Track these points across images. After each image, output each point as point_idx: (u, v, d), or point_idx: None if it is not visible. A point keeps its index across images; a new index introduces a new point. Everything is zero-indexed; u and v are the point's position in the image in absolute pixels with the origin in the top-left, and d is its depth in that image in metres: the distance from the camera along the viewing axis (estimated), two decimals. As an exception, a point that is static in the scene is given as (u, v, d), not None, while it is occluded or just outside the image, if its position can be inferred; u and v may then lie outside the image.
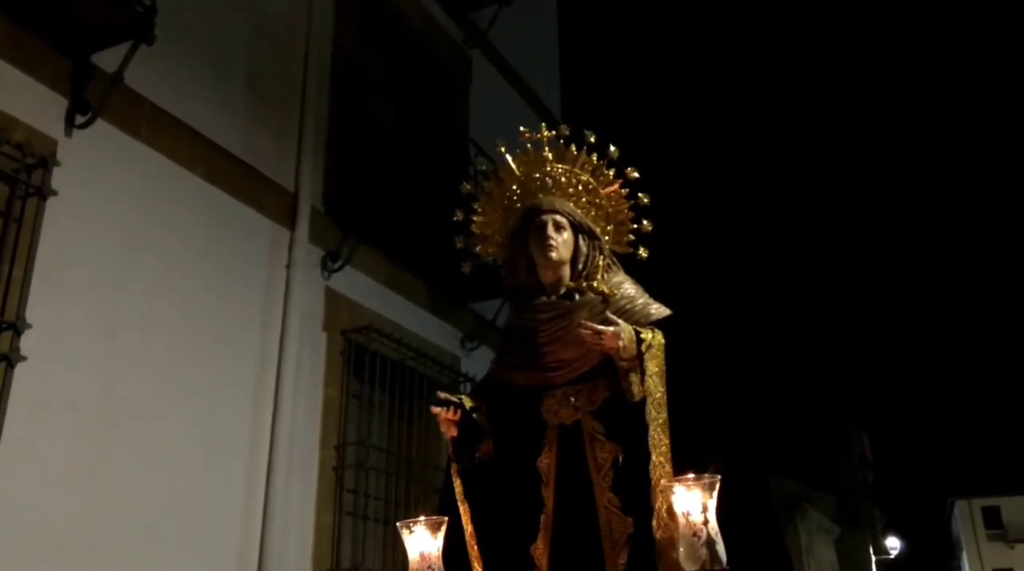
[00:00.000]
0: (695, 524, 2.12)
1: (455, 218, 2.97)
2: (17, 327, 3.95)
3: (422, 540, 2.35)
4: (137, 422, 4.50)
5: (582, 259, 2.82)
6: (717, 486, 2.15)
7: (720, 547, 2.11)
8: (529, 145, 2.94)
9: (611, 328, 2.55)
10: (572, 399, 2.70)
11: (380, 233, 6.22)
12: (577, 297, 2.76)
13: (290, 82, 6.01)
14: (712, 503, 2.13)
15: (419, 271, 6.65)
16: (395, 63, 7.29)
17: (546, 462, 2.72)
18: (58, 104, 4.38)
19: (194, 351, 4.91)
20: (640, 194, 2.92)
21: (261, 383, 5.32)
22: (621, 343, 2.54)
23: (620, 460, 2.62)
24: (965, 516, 44.04)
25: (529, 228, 2.84)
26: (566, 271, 2.81)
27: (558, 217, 2.82)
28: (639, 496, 2.50)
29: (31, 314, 4.02)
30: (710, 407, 2.73)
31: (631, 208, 2.93)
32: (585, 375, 2.69)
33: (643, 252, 2.92)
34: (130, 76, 4.57)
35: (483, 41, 8.33)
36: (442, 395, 2.75)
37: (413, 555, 2.35)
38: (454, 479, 2.75)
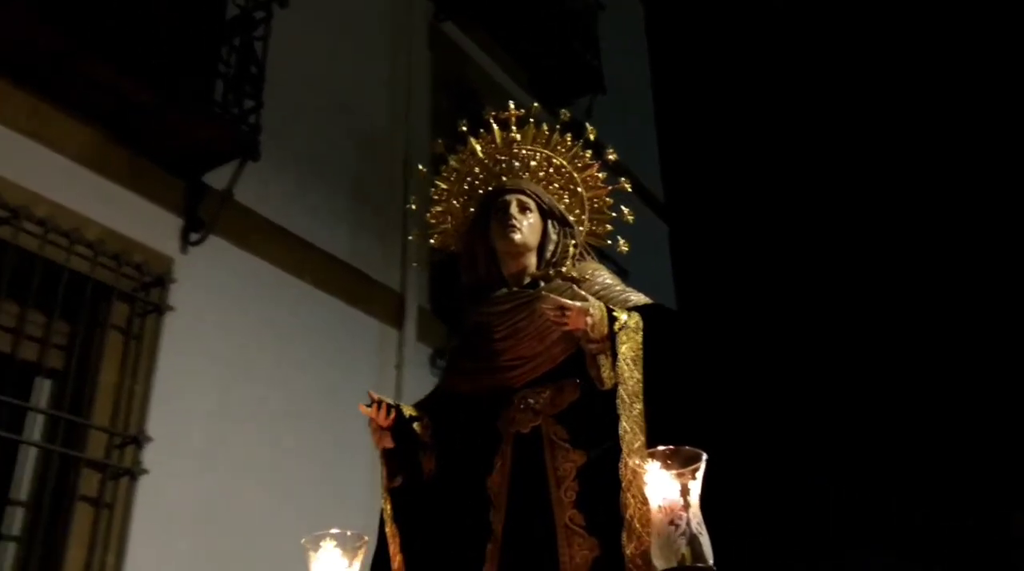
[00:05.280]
0: (673, 509, 1.63)
1: (408, 206, 2.73)
2: (139, 440, 4.07)
3: (331, 562, 1.85)
4: (258, 528, 4.50)
5: (551, 247, 2.43)
6: (702, 466, 1.68)
7: (706, 541, 1.63)
8: (494, 125, 2.60)
9: (578, 303, 2.13)
10: (531, 401, 2.27)
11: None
12: (542, 284, 2.37)
13: (391, 187, 6.16)
14: (696, 485, 1.66)
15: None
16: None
17: (497, 480, 2.27)
18: (173, 224, 4.60)
19: (309, 458, 4.93)
20: (622, 179, 2.58)
21: (376, 486, 5.27)
22: (590, 320, 2.11)
23: (586, 468, 2.17)
24: None
25: (491, 213, 2.48)
26: (532, 260, 2.43)
27: (523, 197, 2.46)
28: (608, 511, 2.02)
29: (152, 427, 4.14)
30: (699, 399, 2.24)
31: (609, 195, 2.59)
32: (549, 375, 2.28)
33: (624, 245, 2.58)
34: (239, 191, 4.78)
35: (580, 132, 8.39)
36: (373, 394, 2.31)
37: None
38: (384, 499, 2.36)
